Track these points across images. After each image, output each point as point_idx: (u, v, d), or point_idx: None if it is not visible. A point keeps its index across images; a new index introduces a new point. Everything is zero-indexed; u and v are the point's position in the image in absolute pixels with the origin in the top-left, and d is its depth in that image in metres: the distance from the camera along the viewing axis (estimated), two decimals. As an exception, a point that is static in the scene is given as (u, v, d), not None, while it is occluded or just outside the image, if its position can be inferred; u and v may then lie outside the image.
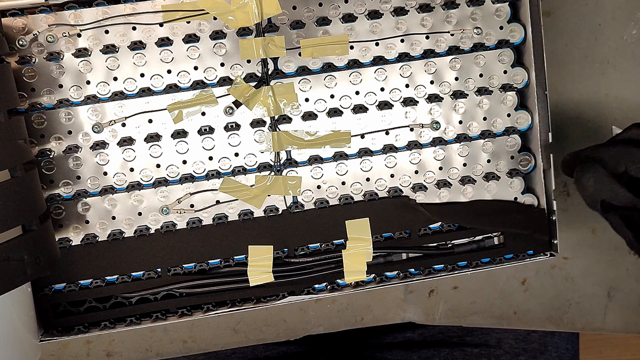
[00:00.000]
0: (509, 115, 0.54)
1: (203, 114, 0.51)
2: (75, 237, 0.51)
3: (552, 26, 0.59)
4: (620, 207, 0.46)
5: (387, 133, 0.53)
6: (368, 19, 0.51)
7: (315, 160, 0.53)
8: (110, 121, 0.50)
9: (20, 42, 0.48)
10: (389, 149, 0.53)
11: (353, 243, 0.53)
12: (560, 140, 0.60)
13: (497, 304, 0.63)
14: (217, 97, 0.51)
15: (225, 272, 0.53)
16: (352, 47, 0.51)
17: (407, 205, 0.53)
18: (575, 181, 0.48)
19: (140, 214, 0.52)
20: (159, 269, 0.52)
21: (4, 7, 0.47)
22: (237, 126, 0.52)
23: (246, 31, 0.50)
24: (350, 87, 0.52)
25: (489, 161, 0.55)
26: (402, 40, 0.52)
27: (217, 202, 0.52)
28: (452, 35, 0.52)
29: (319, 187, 0.53)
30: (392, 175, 0.54)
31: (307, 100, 0.52)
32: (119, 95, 0.50)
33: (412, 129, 0.53)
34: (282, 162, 0.52)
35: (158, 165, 0.51)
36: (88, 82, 0.49)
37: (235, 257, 0.53)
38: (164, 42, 0.49)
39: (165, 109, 0.50)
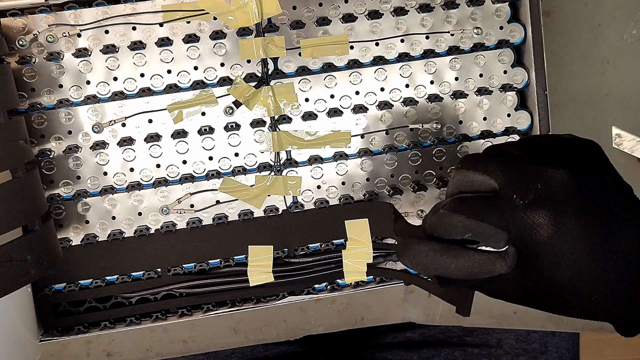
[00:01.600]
0: (509, 115, 0.54)
1: (203, 114, 0.51)
2: (75, 237, 0.51)
3: (552, 26, 0.59)
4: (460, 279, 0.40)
5: (387, 133, 0.53)
6: (368, 19, 0.51)
7: (315, 160, 0.53)
8: (110, 121, 0.50)
9: (20, 42, 0.48)
10: (389, 148, 0.53)
11: (353, 243, 0.53)
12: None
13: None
14: (217, 97, 0.51)
15: (225, 272, 0.53)
16: (352, 47, 0.51)
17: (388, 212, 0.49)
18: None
19: (140, 214, 0.52)
20: (159, 269, 0.52)
21: (4, 7, 0.47)
22: (237, 126, 0.52)
23: (246, 31, 0.50)
24: (350, 87, 0.52)
25: (489, 161, 0.55)
26: (402, 40, 0.52)
27: (217, 202, 0.52)
28: (452, 35, 0.52)
29: (319, 187, 0.53)
30: (392, 175, 0.54)
31: (307, 100, 0.52)
32: (119, 95, 0.50)
33: (412, 129, 0.53)
34: (282, 162, 0.52)
35: (158, 165, 0.51)
36: (88, 82, 0.49)
37: (235, 257, 0.53)
38: (164, 42, 0.49)
39: (165, 109, 0.50)
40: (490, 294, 0.41)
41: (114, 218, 0.51)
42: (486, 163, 0.40)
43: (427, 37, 0.52)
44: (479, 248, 0.39)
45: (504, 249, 0.38)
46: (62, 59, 0.49)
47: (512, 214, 0.38)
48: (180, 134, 0.51)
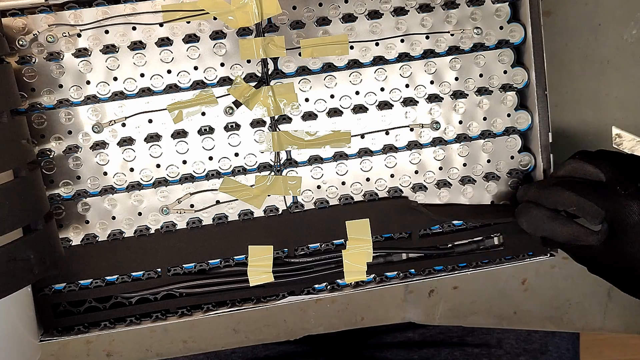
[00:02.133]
0: (509, 115, 0.54)
1: (203, 114, 0.51)
2: (75, 237, 0.51)
3: (552, 26, 0.59)
4: (560, 242, 0.49)
5: (387, 133, 0.53)
6: (368, 19, 0.51)
7: (315, 160, 0.53)
8: (110, 121, 0.50)
9: (20, 42, 0.48)
10: (389, 149, 0.53)
11: (353, 243, 0.53)
12: (560, 140, 0.60)
13: (497, 304, 0.63)
14: (217, 97, 0.51)
15: (225, 272, 0.53)
16: (352, 47, 0.51)
17: (408, 206, 0.53)
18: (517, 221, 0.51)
19: (140, 214, 0.52)
20: (159, 269, 0.52)
21: (4, 7, 0.47)
22: (237, 126, 0.52)
23: (246, 31, 0.50)
24: (350, 87, 0.52)
25: (489, 161, 0.55)
26: (402, 40, 0.52)
27: (217, 202, 0.52)
28: (452, 35, 0.52)
29: (319, 187, 0.53)
30: (392, 175, 0.54)
31: (307, 100, 0.52)
32: (119, 95, 0.50)
33: (412, 129, 0.53)
34: (282, 162, 0.52)
35: (158, 165, 0.51)
36: (88, 82, 0.49)
37: (235, 257, 0.53)
38: (164, 42, 0.49)
39: (165, 109, 0.50)
40: (577, 258, 0.50)
41: (114, 218, 0.51)
42: (600, 159, 0.48)
43: (427, 37, 0.52)
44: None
45: (599, 226, 0.47)
46: (62, 59, 0.49)
47: (612, 198, 0.46)
48: (180, 134, 0.51)
